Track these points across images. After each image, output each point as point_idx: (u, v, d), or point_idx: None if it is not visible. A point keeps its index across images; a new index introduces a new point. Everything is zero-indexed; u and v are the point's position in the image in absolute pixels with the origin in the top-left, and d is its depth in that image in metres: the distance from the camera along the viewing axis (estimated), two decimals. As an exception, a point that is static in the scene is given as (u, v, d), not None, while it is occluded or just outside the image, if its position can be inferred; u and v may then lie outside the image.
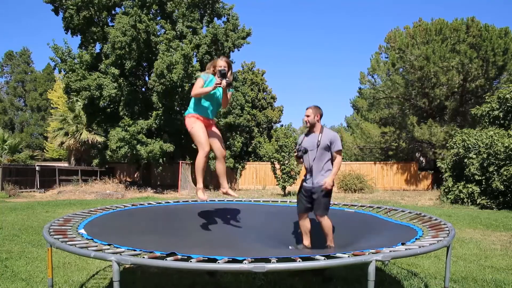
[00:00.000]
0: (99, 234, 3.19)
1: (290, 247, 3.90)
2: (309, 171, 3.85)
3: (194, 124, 3.72)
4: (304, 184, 3.90)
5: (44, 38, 75.51)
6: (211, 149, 3.81)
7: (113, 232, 3.48)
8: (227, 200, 5.43)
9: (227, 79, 3.68)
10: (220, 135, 3.96)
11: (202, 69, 18.56)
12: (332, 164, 3.85)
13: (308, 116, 3.83)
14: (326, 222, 3.73)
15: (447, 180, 13.31)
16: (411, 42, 18.97)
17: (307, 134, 3.96)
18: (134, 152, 17.51)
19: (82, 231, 3.35)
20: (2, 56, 44.37)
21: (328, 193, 3.75)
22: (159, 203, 5.22)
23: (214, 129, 3.91)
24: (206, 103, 3.80)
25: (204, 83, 3.73)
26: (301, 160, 3.92)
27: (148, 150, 17.22)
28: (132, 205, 4.90)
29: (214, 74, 3.81)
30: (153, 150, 17.22)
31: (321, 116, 3.87)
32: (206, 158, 3.67)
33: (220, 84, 3.63)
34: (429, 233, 3.35)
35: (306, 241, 3.87)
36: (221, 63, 3.75)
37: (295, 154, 3.88)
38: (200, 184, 3.68)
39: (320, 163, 3.79)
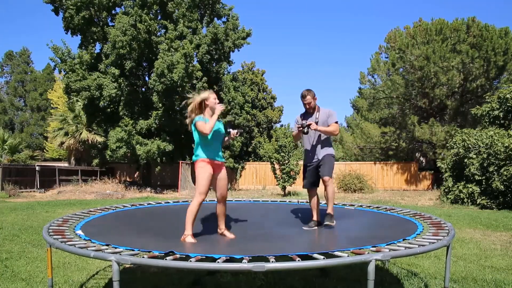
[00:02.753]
0: (96, 235, 3.18)
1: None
2: (311, 149, 4.09)
3: (202, 170, 3.62)
4: (308, 162, 4.14)
5: (44, 38, 75.58)
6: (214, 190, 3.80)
7: (111, 233, 3.48)
8: (227, 201, 5.41)
9: (235, 130, 3.89)
10: (226, 178, 3.87)
11: (203, 68, 18.59)
12: (331, 140, 4.17)
13: (309, 103, 4.05)
14: (331, 186, 3.93)
15: (447, 180, 13.30)
16: (411, 42, 18.95)
17: (304, 116, 4.16)
18: (133, 152, 17.53)
19: (79, 232, 3.34)
20: (2, 56, 44.40)
21: (331, 158, 4.03)
22: (159, 203, 5.22)
23: (223, 171, 3.82)
24: (213, 144, 3.70)
25: (204, 123, 3.66)
26: (301, 136, 4.13)
27: (146, 149, 17.24)
28: (132, 205, 4.89)
29: (205, 109, 3.71)
30: (151, 149, 17.24)
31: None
32: (200, 206, 3.61)
33: (232, 135, 3.86)
34: (430, 229, 3.36)
35: (315, 216, 4.11)
36: (212, 95, 3.69)
37: (299, 128, 3.98)
38: (189, 230, 3.50)
39: (321, 140, 4.05)
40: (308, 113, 4.12)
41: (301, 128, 3.96)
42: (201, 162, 3.63)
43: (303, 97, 4.03)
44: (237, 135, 3.91)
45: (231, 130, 3.84)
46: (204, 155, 3.64)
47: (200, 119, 3.60)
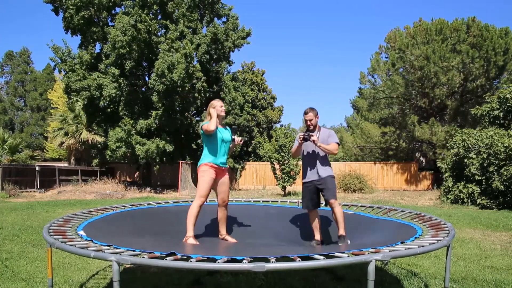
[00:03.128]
0: (98, 236, 3.18)
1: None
2: (311, 166, 4.11)
3: (205, 173, 3.74)
4: (308, 180, 4.13)
5: (44, 38, 75.60)
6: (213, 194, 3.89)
7: (113, 234, 3.48)
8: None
9: (239, 138, 4.02)
10: (228, 184, 3.98)
11: (202, 68, 18.59)
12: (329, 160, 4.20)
13: (311, 120, 4.09)
14: (339, 208, 3.93)
15: (447, 180, 13.30)
16: (411, 42, 18.95)
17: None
18: (133, 151, 17.53)
19: (81, 232, 3.34)
20: (2, 56, 44.39)
21: (333, 180, 4.06)
22: (159, 203, 5.21)
23: (226, 177, 3.93)
24: (219, 149, 3.82)
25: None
26: (300, 152, 4.18)
27: (145, 149, 17.25)
28: (132, 205, 4.89)
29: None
30: (149, 149, 17.25)
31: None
32: (200, 208, 3.69)
33: (236, 142, 4.00)
34: (429, 232, 3.36)
35: (317, 236, 4.12)
36: (219, 103, 3.87)
37: (300, 139, 4.01)
38: (190, 232, 3.56)
39: (320, 158, 4.08)
40: (309, 131, 4.19)
41: (304, 136, 3.99)
42: (205, 166, 3.75)
43: (305, 113, 4.11)
44: (241, 142, 4.05)
45: (235, 137, 3.96)
46: (208, 159, 3.76)
47: (205, 123, 3.80)
